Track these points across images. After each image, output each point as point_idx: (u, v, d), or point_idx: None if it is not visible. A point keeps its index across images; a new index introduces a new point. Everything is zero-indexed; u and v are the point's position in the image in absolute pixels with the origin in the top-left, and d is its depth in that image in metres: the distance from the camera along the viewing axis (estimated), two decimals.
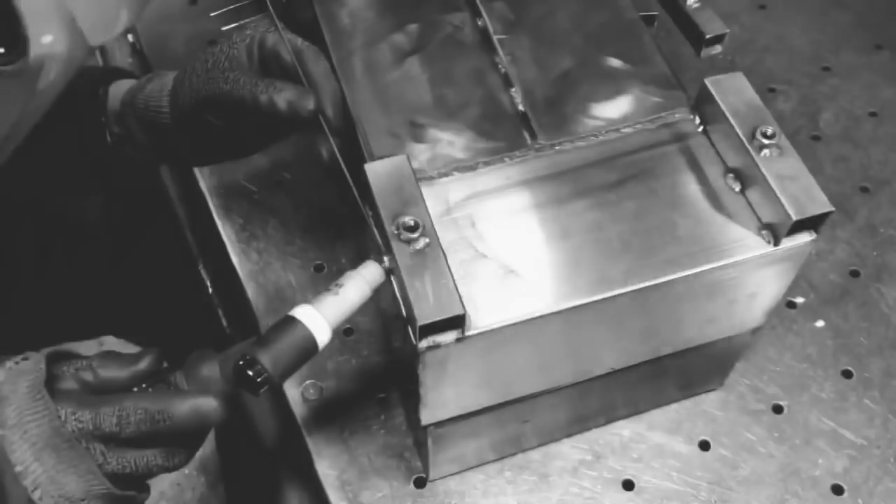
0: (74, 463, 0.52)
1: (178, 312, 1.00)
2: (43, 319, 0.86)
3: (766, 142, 0.61)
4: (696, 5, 0.70)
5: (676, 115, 0.68)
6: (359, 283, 0.57)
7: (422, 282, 0.55)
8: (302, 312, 0.56)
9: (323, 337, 0.56)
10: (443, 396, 0.63)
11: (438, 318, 0.54)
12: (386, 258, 0.58)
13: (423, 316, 0.54)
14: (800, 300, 0.88)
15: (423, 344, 0.56)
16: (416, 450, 0.78)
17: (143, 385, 0.58)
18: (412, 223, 0.57)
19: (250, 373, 0.53)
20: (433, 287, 0.55)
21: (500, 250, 0.61)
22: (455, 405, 0.65)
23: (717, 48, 0.71)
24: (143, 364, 0.57)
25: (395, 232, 0.57)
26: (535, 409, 0.71)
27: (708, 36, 0.70)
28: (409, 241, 0.57)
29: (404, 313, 0.57)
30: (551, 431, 0.78)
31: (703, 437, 0.80)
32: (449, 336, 0.56)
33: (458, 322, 0.56)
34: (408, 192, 0.59)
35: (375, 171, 0.60)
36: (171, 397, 0.56)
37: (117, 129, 0.73)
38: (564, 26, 0.73)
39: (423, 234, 0.57)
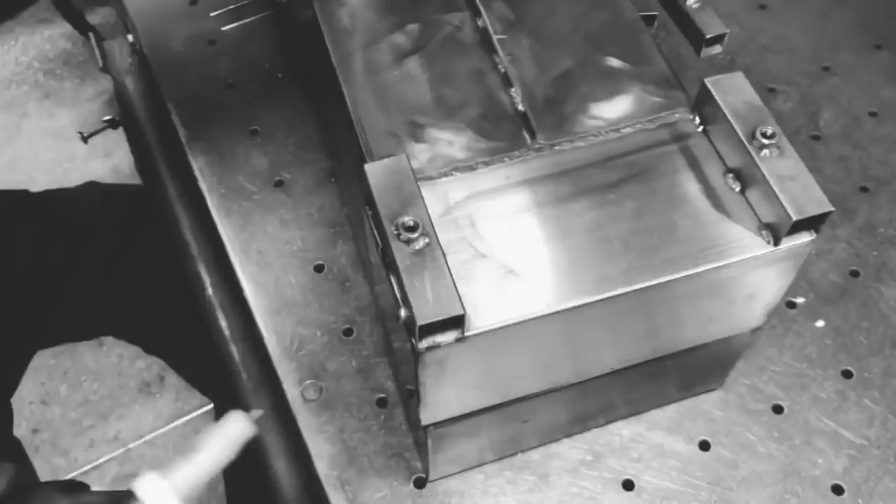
0: None
1: (177, 313, 1.00)
2: (43, 321, 0.86)
3: (765, 142, 0.61)
4: (696, 5, 0.70)
5: (676, 116, 0.68)
6: (218, 443, 0.54)
7: (421, 282, 0.55)
8: (145, 485, 0.52)
9: None
10: (443, 396, 0.63)
11: (438, 319, 0.54)
12: (252, 410, 0.54)
13: (423, 316, 0.54)
14: (800, 300, 0.88)
15: (423, 344, 0.56)
16: (416, 450, 0.78)
17: None
18: (412, 223, 0.57)
19: None
20: (433, 287, 0.55)
21: (499, 250, 0.61)
22: (455, 405, 0.65)
23: (717, 48, 0.71)
24: None
25: (395, 232, 0.57)
26: (534, 409, 0.71)
27: (708, 36, 0.70)
28: (408, 241, 0.56)
29: (403, 314, 0.57)
30: (551, 431, 0.78)
31: (702, 438, 0.80)
32: (449, 336, 0.56)
33: (457, 322, 0.56)
34: (407, 191, 0.59)
35: (375, 171, 0.60)
36: None
37: None
38: (564, 26, 0.73)
39: (422, 234, 0.57)
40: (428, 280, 0.55)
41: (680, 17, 0.72)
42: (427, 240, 0.57)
